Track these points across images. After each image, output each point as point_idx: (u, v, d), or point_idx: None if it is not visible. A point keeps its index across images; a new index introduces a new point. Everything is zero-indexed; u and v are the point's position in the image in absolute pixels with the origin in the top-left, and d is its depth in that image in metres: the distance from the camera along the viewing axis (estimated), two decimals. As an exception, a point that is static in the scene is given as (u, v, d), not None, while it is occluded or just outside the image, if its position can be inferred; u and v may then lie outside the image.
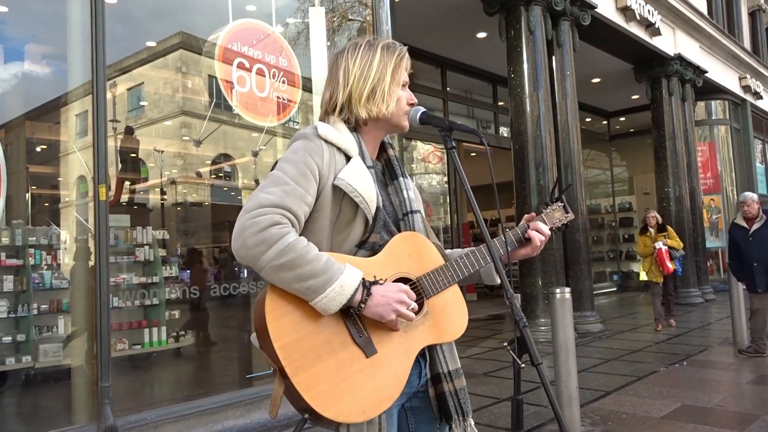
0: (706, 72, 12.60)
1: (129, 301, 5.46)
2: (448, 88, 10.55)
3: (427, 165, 11.37)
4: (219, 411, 4.17)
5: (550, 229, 1.72)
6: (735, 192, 14.56)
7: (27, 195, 5.50)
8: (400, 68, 1.57)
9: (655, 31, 10.59)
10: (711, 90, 13.61)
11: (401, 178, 1.62)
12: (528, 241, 1.66)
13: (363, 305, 1.35)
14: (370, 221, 1.46)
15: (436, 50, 9.88)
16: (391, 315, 1.36)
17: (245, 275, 5.59)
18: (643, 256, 8.41)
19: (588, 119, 14.59)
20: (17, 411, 4.55)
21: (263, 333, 1.32)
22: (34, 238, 4.82)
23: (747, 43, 16.23)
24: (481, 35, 9.35)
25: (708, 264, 12.78)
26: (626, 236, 15.07)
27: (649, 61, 11.35)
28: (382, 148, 1.67)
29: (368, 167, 1.52)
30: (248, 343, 5.79)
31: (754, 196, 6.41)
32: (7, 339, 4.54)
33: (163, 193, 6.45)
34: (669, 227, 8.72)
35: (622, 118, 15.43)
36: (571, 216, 1.78)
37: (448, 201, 11.16)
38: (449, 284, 1.52)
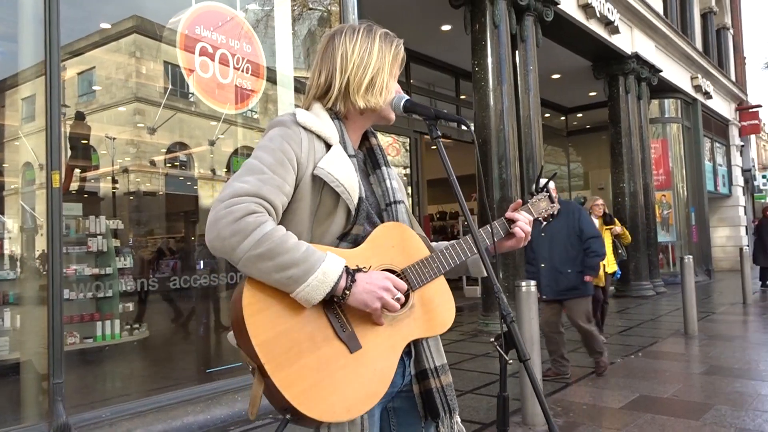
0: (661, 71, 12.95)
1: (81, 293, 5.26)
2: (411, 81, 10.52)
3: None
4: (178, 407, 4.05)
5: (537, 219, 1.71)
6: (685, 188, 15.05)
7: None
8: (397, 60, 1.53)
9: (614, 29, 10.80)
10: (665, 89, 14.00)
11: (384, 168, 1.57)
12: (512, 233, 1.65)
13: (347, 293, 1.29)
14: (353, 212, 1.40)
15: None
16: (375, 303, 1.31)
17: (202, 266, 5.46)
18: None
19: (547, 115, 14.81)
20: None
21: (240, 329, 1.25)
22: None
23: (698, 43, 16.76)
24: (446, 28, 9.34)
25: (659, 258, 13.18)
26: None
27: (607, 59, 11.58)
28: (365, 136, 1.61)
29: (350, 156, 1.46)
30: (206, 336, 5.67)
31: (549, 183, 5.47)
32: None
33: (114, 181, 6.23)
34: (616, 219, 7.47)
35: (580, 115, 15.73)
36: (557, 206, 1.77)
37: (409, 193, 11.16)
38: (435, 276, 1.47)
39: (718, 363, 5.71)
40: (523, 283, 4.01)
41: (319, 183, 1.39)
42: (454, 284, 14.27)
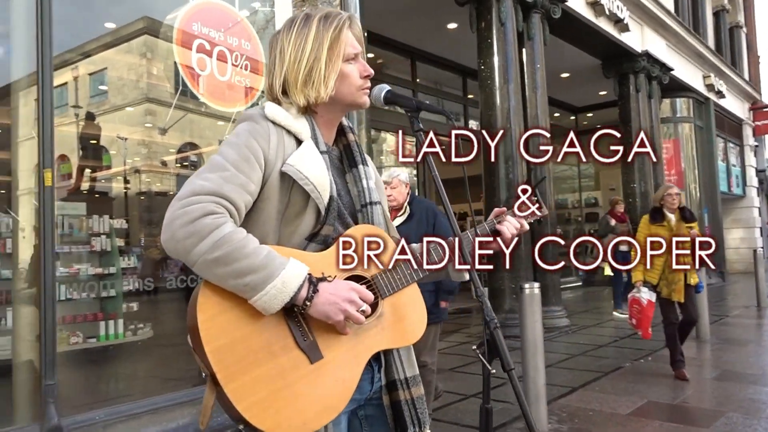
0: (672, 69, 12.74)
1: (84, 292, 5.24)
2: (417, 80, 10.43)
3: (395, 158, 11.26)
4: (174, 409, 3.99)
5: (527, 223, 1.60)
6: (698, 189, 14.83)
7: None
8: (339, 42, 1.39)
9: (624, 27, 10.64)
10: (676, 88, 13.78)
11: (361, 166, 1.48)
12: (498, 235, 1.52)
13: (308, 303, 1.21)
14: (323, 212, 1.32)
15: (407, 40, 9.74)
16: (338, 315, 1.23)
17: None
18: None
19: (556, 114, 14.65)
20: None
21: (194, 334, 1.18)
22: (-15, 227, 4.57)
23: (711, 42, 16.51)
24: (452, 26, 9.24)
25: (670, 259, 12.95)
26: (591, 231, 15.23)
27: (617, 57, 11.41)
28: (342, 132, 1.52)
29: (322, 152, 1.37)
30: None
31: (401, 174, 4.03)
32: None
33: (126, 181, 6.24)
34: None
35: (590, 114, 15.55)
36: (545, 211, 1.65)
37: (416, 195, 11.05)
38: (407, 283, 1.38)
39: (731, 368, 5.56)
40: (527, 285, 3.90)
41: (288, 181, 1.31)
42: (464, 284, 14.10)
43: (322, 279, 1.25)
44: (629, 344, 6.88)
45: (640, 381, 5.13)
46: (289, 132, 1.36)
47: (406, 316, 1.38)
